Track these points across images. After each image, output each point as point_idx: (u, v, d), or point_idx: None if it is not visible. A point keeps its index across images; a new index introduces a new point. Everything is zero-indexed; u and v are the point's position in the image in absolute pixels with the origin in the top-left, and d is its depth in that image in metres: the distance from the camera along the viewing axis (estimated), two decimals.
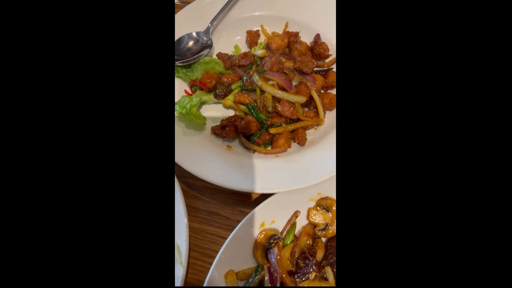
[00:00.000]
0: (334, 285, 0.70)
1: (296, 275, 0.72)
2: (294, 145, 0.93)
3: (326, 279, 0.72)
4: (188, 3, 1.10)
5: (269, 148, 0.92)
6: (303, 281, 0.70)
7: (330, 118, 0.96)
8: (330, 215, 0.82)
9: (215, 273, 0.73)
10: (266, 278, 0.71)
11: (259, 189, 0.80)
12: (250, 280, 0.73)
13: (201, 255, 0.86)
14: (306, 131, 0.95)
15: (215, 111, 0.99)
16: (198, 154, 0.86)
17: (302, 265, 0.74)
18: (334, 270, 0.74)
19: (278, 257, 0.73)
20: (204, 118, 0.94)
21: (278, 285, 0.69)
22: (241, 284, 0.75)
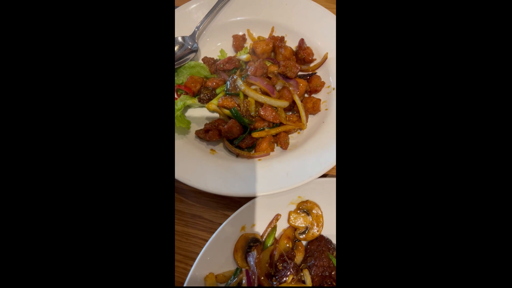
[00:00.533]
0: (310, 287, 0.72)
1: (274, 278, 0.73)
2: (277, 148, 0.94)
3: (303, 282, 0.73)
4: (175, 7, 1.11)
5: (252, 152, 0.93)
6: (280, 283, 0.71)
7: (313, 122, 0.97)
8: (310, 219, 0.83)
9: (195, 274, 0.75)
10: (244, 281, 0.72)
11: (240, 193, 0.81)
12: (229, 282, 0.74)
13: (184, 257, 0.87)
14: (290, 135, 0.96)
15: (200, 115, 1.00)
16: (182, 158, 0.87)
17: (280, 268, 0.75)
18: (312, 273, 0.75)
19: (257, 260, 0.74)
20: (188, 122, 0.96)
21: (255, 287, 0.70)
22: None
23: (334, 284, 0.75)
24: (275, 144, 0.94)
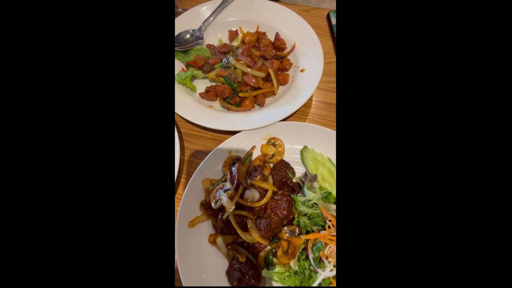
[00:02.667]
0: (271, 185, 1.09)
1: (248, 178, 1.11)
2: (256, 107, 1.34)
3: (268, 181, 1.11)
4: (186, 10, 1.54)
5: (239, 107, 1.32)
6: (251, 180, 1.09)
7: (282, 90, 1.37)
8: (275, 148, 1.21)
9: (195, 179, 1.12)
10: (228, 178, 1.09)
11: (229, 129, 1.19)
12: (218, 181, 1.12)
13: (189, 176, 1.24)
14: (266, 98, 1.35)
15: (202, 83, 1.40)
16: (190, 109, 1.27)
17: (252, 174, 1.12)
18: (274, 178, 1.12)
19: (238, 168, 1.11)
20: (194, 87, 1.35)
21: (235, 183, 1.07)
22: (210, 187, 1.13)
23: (290, 190, 1.13)
24: (255, 103, 1.33)
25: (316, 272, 0.92)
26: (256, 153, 1.23)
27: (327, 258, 0.93)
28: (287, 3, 1.67)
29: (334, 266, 0.91)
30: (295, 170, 1.19)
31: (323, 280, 0.91)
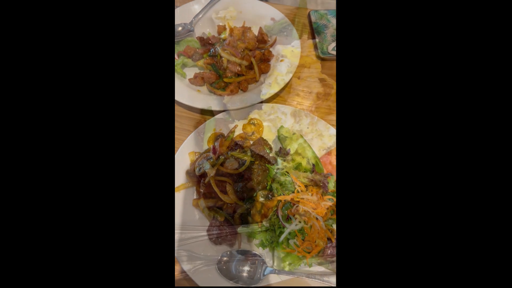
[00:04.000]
0: (250, 157, 1.23)
1: (229, 151, 1.25)
2: (240, 92, 1.49)
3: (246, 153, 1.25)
4: (179, 6, 1.70)
5: (224, 91, 1.47)
6: (232, 152, 1.23)
7: (263, 78, 1.52)
8: (255, 127, 1.36)
9: (182, 150, 1.26)
10: (211, 150, 1.23)
11: (214, 108, 1.34)
12: (201, 153, 1.26)
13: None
14: (249, 84, 1.50)
15: (192, 71, 1.55)
16: (180, 92, 1.41)
17: (233, 148, 1.27)
18: (252, 152, 1.26)
19: (220, 142, 1.26)
20: (184, 73, 1.50)
21: (217, 154, 1.21)
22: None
23: (267, 164, 1.27)
24: (239, 88, 1.48)
25: (284, 227, 1.06)
26: (238, 132, 1.37)
27: (294, 215, 1.07)
28: (275, 3, 1.84)
29: (299, 221, 1.05)
30: (272, 146, 1.33)
31: (289, 233, 1.05)
